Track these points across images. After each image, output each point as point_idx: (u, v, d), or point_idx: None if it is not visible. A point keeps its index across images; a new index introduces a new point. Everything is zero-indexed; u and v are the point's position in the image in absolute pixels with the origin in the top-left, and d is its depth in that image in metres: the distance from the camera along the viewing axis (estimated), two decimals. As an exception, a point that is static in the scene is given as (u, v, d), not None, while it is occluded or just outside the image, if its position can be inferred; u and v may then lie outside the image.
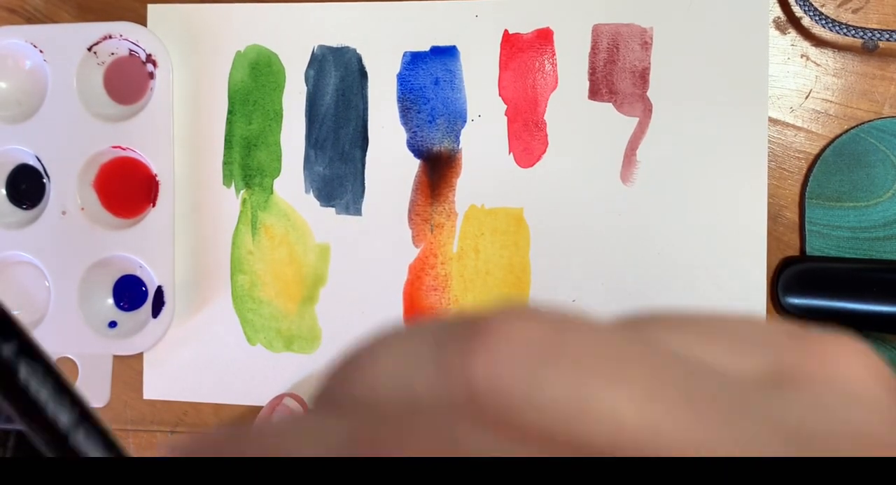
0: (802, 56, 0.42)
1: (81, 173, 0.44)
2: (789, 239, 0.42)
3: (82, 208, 0.44)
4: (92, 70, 0.45)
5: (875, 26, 0.41)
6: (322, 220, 0.45)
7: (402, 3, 0.44)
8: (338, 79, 0.45)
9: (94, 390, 0.44)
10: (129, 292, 0.46)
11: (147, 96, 0.45)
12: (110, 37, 0.44)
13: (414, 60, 0.44)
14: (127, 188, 0.46)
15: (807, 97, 0.42)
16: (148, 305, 0.45)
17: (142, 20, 0.46)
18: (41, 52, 0.44)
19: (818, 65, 0.42)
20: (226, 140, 0.46)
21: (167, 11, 0.46)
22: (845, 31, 0.40)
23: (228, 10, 0.46)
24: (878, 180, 0.41)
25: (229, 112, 0.46)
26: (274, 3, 0.45)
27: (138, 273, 0.46)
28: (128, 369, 0.46)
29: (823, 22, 0.40)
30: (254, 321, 0.45)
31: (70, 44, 0.44)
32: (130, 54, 0.46)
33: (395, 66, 0.44)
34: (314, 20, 0.45)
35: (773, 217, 0.42)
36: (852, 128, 0.41)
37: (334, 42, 0.45)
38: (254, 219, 0.45)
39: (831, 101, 0.42)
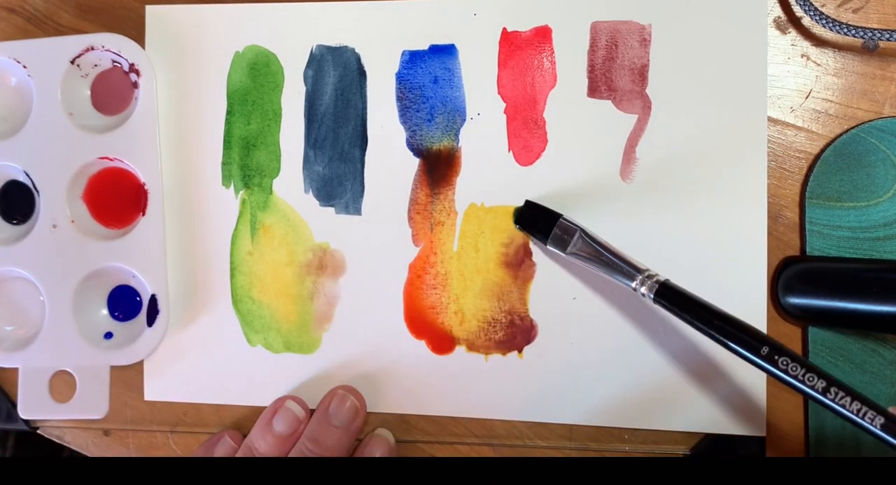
0: (802, 56, 0.42)
1: (70, 186, 0.45)
2: (789, 239, 0.42)
3: (73, 221, 0.45)
4: (76, 83, 0.45)
5: (875, 26, 0.41)
6: (322, 219, 0.45)
7: (400, 2, 0.44)
8: (336, 78, 0.45)
9: (93, 402, 0.44)
10: (124, 303, 0.46)
11: (132, 106, 0.45)
12: (92, 49, 0.44)
13: (413, 59, 0.44)
14: (116, 199, 0.46)
15: (807, 97, 0.42)
16: (143, 315, 0.45)
17: (140, 20, 0.46)
18: (24, 67, 0.45)
19: (818, 65, 0.42)
20: (224, 140, 0.46)
21: (165, 12, 0.46)
22: (845, 30, 0.40)
23: (227, 10, 0.46)
24: (879, 180, 0.41)
25: (228, 112, 0.46)
26: (272, 3, 0.45)
27: (132, 283, 0.46)
28: (128, 369, 0.46)
29: (823, 22, 0.40)
30: (253, 322, 0.45)
31: (53, 58, 0.44)
32: (113, 65, 0.46)
33: (394, 65, 0.44)
34: (312, 20, 0.45)
35: (773, 217, 0.42)
36: (852, 128, 0.41)
37: (333, 42, 0.45)
38: (253, 219, 0.45)
39: (831, 101, 0.42)
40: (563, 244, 0.41)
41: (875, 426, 0.30)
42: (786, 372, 0.33)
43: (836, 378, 0.32)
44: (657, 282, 0.38)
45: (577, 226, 0.41)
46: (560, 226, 0.41)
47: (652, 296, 0.38)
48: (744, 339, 0.35)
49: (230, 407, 0.46)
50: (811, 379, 0.32)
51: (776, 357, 0.33)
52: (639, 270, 0.39)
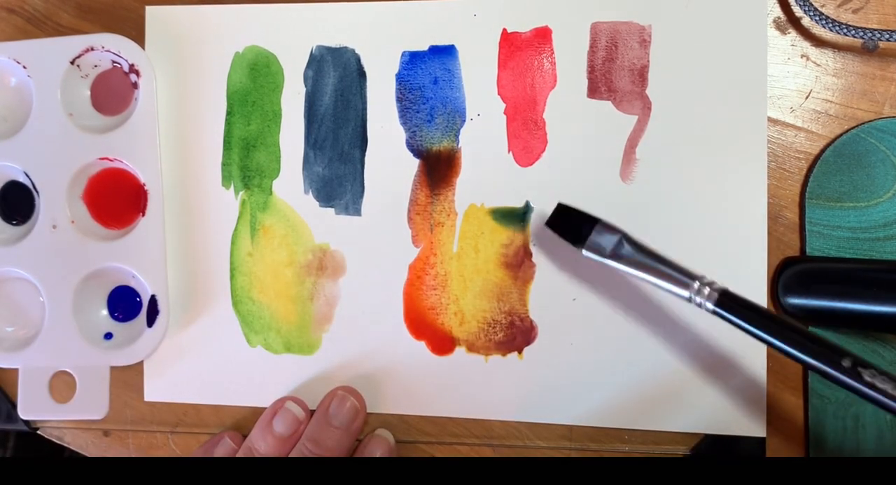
0: (802, 56, 0.42)
1: (70, 187, 0.45)
2: (789, 239, 0.42)
3: (73, 221, 0.45)
4: (76, 83, 0.45)
5: (875, 26, 0.41)
6: (321, 220, 0.45)
7: (400, 2, 0.44)
8: (336, 79, 0.45)
9: (93, 402, 0.44)
10: (124, 303, 0.46)
11: (132, 107, 0.45)
12: (92, 49, 0.44)
13: (413, 60, 0.44)
14: (116, 199, 0.46)
15: (807, 97, 0.42)
16: (142, 315, 0.45)
17: (140, 21, 0.46)
18: (24, 67, 0.45)
19: (818, 65, 0.42)
20: (224, 141, 0.46)
21: (165, 13, 0.46)
22: (845, 31, 0.40)
23: (227, 11, 0.46)
24: (879, 180, 0.41)
25: (228, 113, 0.46)
26: (272, 3, 0.45)
27: (132, 283, 0.46)
28: (128, 369, 0.46)
29: (823, 22, 0.40)
30: (253, 323, 0.45)
31: (52, 58, 0.44)
32: (113, 66, 0.46)
33: (394, 66, 0.44)
34: (312, 21, 0.45)
35: (773, 217, 0.42)
36: (852, 128, 0.41)
37: (333, 42, 0.45)
38: (253, 220, 0.45)
39: (831, 102, 0.42)
40: (601, 250, 0.38)
41: None
42: (872, 386, 0.30)
43: None
44: (716, 290, 0.35)
45: (619, 230, 0.38)
46: (598, 231, 0.38)
47: (711, 305, 0.35)
48: (821, 351, 0.31)
49: (230, 408, 0.46)
50: None
51: (860, 370, 0.30)
52: (693, 277, 0.36)
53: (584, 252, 0.39)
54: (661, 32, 0.42)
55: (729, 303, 0.34)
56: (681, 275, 0.36)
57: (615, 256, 0.38)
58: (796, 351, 0.32)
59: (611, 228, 0.38)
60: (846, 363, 0.30)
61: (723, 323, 0.42)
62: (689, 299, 0.36)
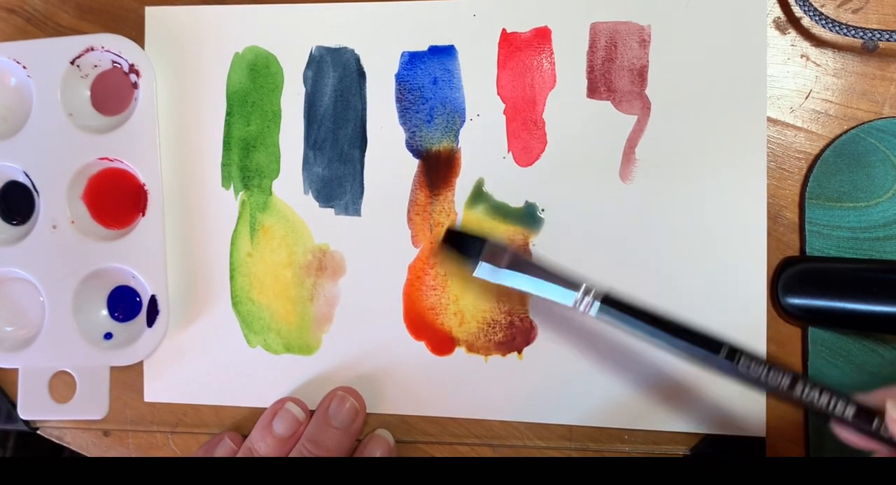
0: (802, 56, 0.42)
1: (70, 187, 0.45)
2: (789, 239, 0.42)
3: (73, 222, 0.45)
4: (76, 83, 0.45)
5: (875, 26, 0.41)
6: (321, 221, 0.45)
7: (399, 3, 0.44)
8: (336, 79, 0.45)
9: (93, 403, 0.44)
10: (124, 303, 0.46)
11: (132, 107, 0.45)
12: (92, 49, 0.44)
13: (412, 60, 0.44)
14: (116, 199, 0.46)
15: (807, 97, 0.42)
16: (142, 315, 0.45)
17: (140, 21, 0.46)
18: (24, 67, 0.45)
19: (818, 65, 0.42)
20: (224, 142, 0.46)
21: (165, 13, 0.46)
22: (845, 31, 0.40)
23: (226, 11, 0.46)
24: (878, 180, 0.41)
25: (227, 114, 0.46)
26: (272, 4, 0.45)
27: (132, 284, 0.46)
28: (128, 369, 0.46)
29: (823, 22, 0.40)
30: (253, 323, 0.45)
31: (52, 58, 0.44)
32: (113, 66, 0.46)
33: (394, 66, 0.44)
34: (312, 21, 0.45)
35: (773, 217, 0.42)
36: (852, 128, 0.41)
37: (332, 43, 0.45)
38: (252, 221, 0.45)
39: (831, 102, 0.42)
40: (491, 271, 0.38)
41: (847, 417, 0.31)
42: (747, 374, 0.33)
43: (799, 373, 0.33)
44: (599, 293, 0.36)
45: (507, 249, 0.39)
46: (488, 251, 0.39)
47: (597, 307, 0.36)
48: (700, 342, 0.35)
49: (230, 408, 0.46)
50: (775, 377, 0.33)
51: (738, 358, 0.34)
52: (576, 287, 0.37)
53: (476, 274, 0.39)
54: (660, 32, 0.42)
55: (614, 303, 0.36)
56: (565, 287, 0.37)
57: (507, 271, 0.38)
58: (676, 348, 0.35)
59: (500, 248, 0.39)
60: (722, 354, 0.34)
61: (722, 323, 0.42)
62: (574, 306, 0.37)
